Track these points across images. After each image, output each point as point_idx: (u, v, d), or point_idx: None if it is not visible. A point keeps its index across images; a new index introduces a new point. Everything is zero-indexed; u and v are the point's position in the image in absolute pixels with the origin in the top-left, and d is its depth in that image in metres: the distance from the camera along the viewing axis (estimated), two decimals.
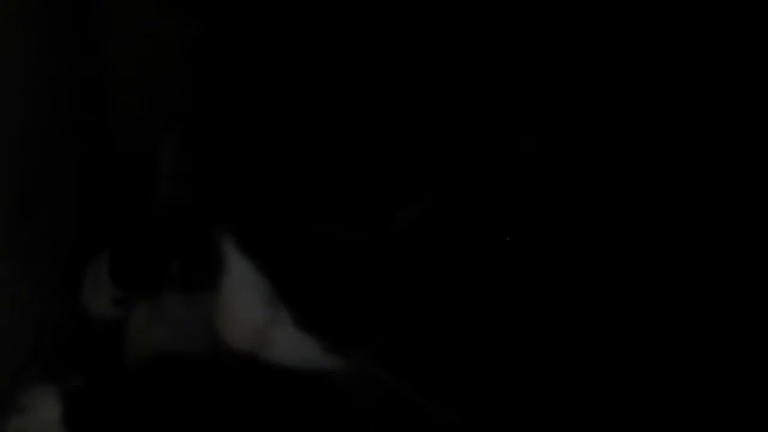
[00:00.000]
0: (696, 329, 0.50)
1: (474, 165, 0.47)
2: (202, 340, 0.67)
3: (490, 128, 0.47)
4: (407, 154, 0.46)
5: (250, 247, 0.52)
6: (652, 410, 0.50)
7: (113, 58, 0.80)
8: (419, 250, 0.49)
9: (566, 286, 0.50)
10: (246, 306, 0.53)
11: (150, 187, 0.78)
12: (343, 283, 0.50)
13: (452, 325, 0.50)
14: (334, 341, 0.52)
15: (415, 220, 0.48)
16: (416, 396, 0.52)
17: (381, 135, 0.46)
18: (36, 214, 0.70)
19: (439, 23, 0.45)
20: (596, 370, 0.51)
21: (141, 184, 0.78)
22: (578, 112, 0.48)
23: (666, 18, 0.48)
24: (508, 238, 0.49)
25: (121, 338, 0.71)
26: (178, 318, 0.70)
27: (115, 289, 0.74)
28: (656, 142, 0.49)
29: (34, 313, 0.72)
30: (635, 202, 0.50)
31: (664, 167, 0.49)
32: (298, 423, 0.59)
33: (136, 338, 0.70)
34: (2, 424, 0.63)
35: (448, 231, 0.48)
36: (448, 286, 0.49)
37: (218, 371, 0.62)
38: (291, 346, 0.53)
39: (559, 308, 0.50)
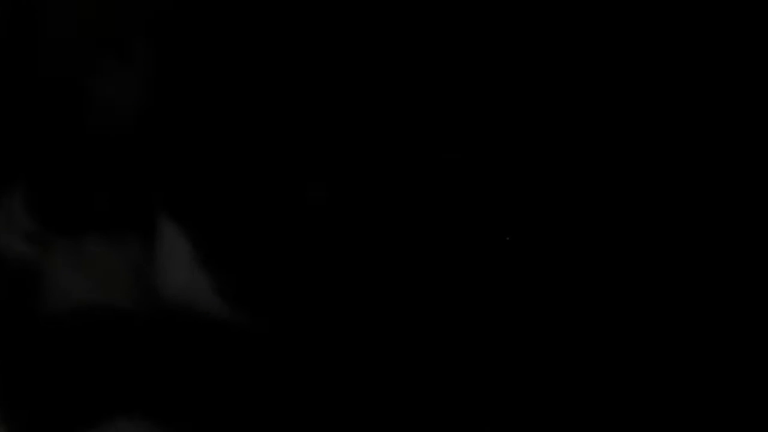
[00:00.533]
0: (694, 329, 0.51)
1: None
2: (126, 291, 0.61)
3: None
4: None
5: (179, 212, 0.57)
6: (647, 409, 0.51)
7: None
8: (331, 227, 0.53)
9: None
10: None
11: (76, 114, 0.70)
12: (259, 253, 0.55)
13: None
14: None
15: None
16: None
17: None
18: None
19: None
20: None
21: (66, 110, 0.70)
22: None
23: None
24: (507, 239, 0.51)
25: (36, 285, 0.64)
26: (102, 265, 0.63)
27: (31, 223, 0.66)
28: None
29: None
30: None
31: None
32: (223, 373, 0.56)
33: (54, 286, 0.63)
34: None
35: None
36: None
37: (149, 325, 0.58)
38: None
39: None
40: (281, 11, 0.56)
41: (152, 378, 0.56)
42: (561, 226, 0.52)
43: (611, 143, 0.52)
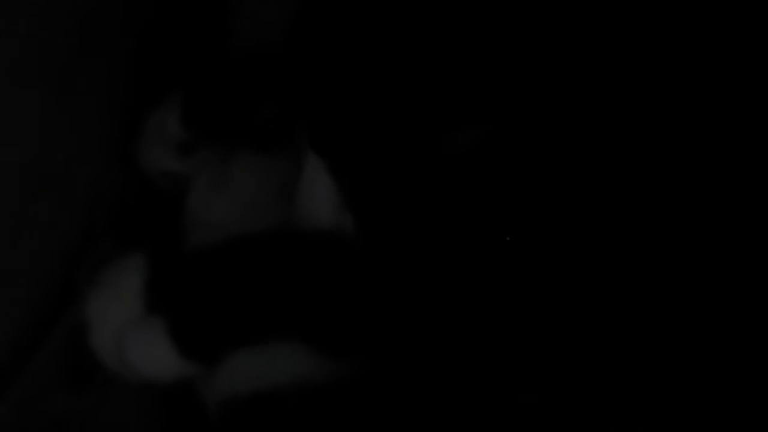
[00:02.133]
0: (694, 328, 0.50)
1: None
2: (267, 216, 0.60)
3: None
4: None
5: (325, 150, 0.56)
6: (647, 408, 0.50)
7: None
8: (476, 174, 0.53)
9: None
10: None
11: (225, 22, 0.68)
12: (404, 200, 0.55)
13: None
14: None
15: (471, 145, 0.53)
16: None
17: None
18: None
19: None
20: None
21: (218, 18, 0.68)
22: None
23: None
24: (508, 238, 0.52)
25: (182, 207, 0.63)
26: (245, 187, 0.62)
27: (184, 130, 0.65)
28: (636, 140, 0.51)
29: (88, 182, 0.65)
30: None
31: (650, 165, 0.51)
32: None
33: (197, 208, 0.63)
34: (83, 301, 0.58)
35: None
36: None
37: (289, 252, 0.56)
38: None
39: None
40: None
41: (299, 302, 0.55)
42: (561, 225, 0.52)
43: (611, 143, 0.52)
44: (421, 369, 0.53)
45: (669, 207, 0.51)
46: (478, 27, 0.53)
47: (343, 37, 0.57)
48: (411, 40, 0.54)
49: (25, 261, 0.61)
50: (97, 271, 0.59)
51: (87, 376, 0.60)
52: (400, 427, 0.52)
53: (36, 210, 0.60)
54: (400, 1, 0.55)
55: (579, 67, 0.53)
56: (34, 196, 0.60)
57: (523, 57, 0.53)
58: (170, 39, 0.69)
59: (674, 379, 0.50)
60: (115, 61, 0.65)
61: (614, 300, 0.51)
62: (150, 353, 0.55)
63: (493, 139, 0.53)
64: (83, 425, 0.59)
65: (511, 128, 0.53)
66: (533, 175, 0.53)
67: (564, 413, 0.50)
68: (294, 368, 0.54)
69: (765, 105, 0.51)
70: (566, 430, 0.50)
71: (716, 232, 0.50)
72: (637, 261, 0.51)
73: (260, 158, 0.63)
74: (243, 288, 0.55)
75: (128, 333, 0.56)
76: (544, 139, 0.52)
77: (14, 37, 0.55)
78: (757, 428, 0.49)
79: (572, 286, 0.51)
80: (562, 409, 0.50)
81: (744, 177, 0.51)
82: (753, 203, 0.51)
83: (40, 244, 0.62)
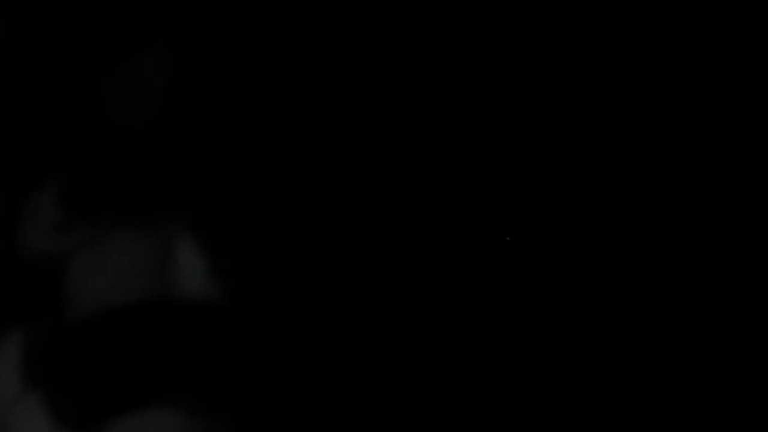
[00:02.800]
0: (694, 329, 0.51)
1: None
2: (142, 289, 0.63)
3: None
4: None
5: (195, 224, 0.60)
6: (646, 410, 0.50)
7: None
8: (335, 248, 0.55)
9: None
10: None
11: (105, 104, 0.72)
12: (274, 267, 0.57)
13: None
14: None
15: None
16: None
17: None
18: None
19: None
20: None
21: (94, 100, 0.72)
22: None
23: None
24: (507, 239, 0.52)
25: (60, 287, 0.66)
26: (119, 263, 0.65)
27: (60, 213, 0.68)
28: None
29: None
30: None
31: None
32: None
33: (73, 285, 0.66)
34: None
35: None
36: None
37: (168, 318, 0.60)
38: None
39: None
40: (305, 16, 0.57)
41: (174, 369, 0.59)
42: (561, 226, 0.52)
43: (610, 143, 0.52)
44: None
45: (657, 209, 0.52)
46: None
47: (210, 119, 0.61)
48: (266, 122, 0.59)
49: None
50: None
51: None
52: None
53: None
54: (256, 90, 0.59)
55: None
56: None
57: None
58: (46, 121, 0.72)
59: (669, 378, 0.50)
60: None
61: None
62: (32, 428, 0.58)
63: (355, 207, 0.56)
64: None
65: (373, 195, 0.56)
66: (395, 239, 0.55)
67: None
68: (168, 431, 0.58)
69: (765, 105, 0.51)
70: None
71: (714, 232, 0.51)
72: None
73: (134, 235, 0.67)
74: (119, 358, 0.59)
75: (9, 409, 0.58)
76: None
77: None
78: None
79: None
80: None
81: (744, 177, 0.51)
82: (753, 203, 0.51)
83: None
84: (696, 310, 0.51)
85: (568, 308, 0.51)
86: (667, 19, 0.52)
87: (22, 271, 0.69)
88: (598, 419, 0.51)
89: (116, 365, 0.59)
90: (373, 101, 0.56)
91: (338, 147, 0.57)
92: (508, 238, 0.52)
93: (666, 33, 0.52)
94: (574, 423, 0.51)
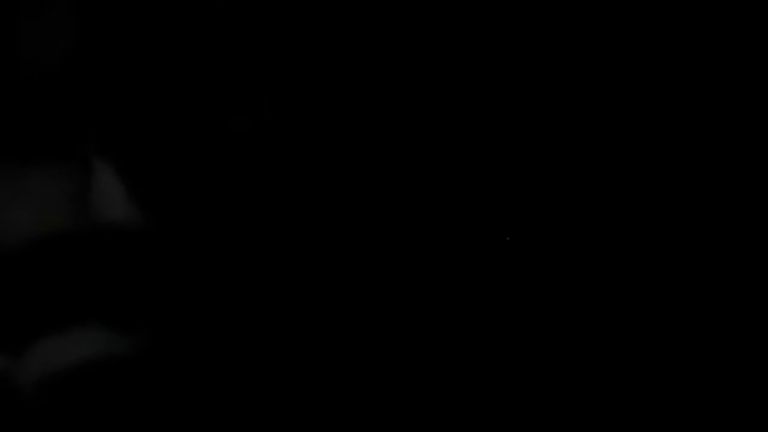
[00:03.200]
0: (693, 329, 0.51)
1: None
2: (62, 221, 0.65)
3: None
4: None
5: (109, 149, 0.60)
6: (646, 409, 0.51)
7: None
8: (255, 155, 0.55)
9: None
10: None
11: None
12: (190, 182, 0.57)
13: None
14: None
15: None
16: None
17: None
18: None
19: None
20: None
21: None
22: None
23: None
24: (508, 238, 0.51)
25: None
26: (39, 196, 0.67)
27: None
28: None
29: None
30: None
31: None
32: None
33: None
34: None
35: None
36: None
37: (92, 248, 0.62)
38: None
39: None
40: None
41: (94, 292, 0.61)
42: (561, 226, 0.52)
43: (611, 143, 0.53)
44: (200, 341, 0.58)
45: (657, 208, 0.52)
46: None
47: (124, 48, 0.62)
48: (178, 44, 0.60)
49: None
50: None
51: None
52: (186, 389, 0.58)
53: None
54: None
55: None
56: None
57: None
58: None
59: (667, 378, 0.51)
60: None
61: None
62: None
63: (265, 123, 0.57)
64: None
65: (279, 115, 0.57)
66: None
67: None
68: (91, 345, 0.60)
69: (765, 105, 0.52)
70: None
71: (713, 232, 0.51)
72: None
73: (51, 168, 0.68)
74: (41, 284, 0.61)
75: None
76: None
77: None
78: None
79: None
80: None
81: (743, 177, 0.52)
82: (752, 203, 0.51)
83: None
84: (695, 309, 0.52)
85: (567, 307, 0.52)
86: (667, 19, 0.53)
87: None
88: (596, 417, 0.51)
89: (38, 291, 0.61)
90: None
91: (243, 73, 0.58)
92: (508, 238, 0.52)
93: (666, 33, 0.53)
94: (573, 421, 0.51)
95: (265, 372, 0.56)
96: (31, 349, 0.61)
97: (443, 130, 0.54)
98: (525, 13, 0.53)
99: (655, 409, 0.51)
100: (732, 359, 0.51)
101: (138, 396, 0.59)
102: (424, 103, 0.54)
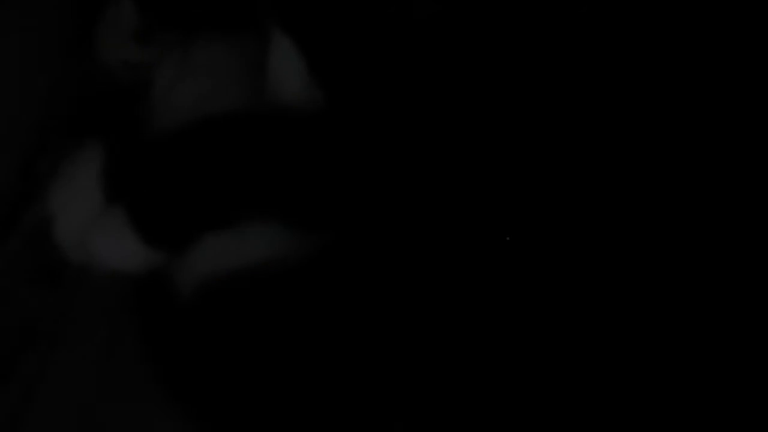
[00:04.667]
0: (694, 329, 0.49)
1: None
2: (234, 97, 0.57)
3: None
4: None
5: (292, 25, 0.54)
6: (647, 410, 0.49)
7: None
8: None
9: None
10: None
11: None
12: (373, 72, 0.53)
13: None
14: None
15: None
16: None
17: None
18: None
19: None
20: None
21: None
22: None
23: None
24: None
25: (145, 100, 0.60)
26: (211, 70, 0.59)
27: (141, 17, 0.62)
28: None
29: (45, 76, 0.62)
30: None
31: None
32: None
33: (161, 94, 0.60)
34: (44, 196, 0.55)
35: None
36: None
37: (255, 129, 0.54)
38: None
39: None
40: None
41: (265, 183, 0.53)
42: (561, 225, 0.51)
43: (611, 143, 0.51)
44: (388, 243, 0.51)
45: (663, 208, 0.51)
46: None
47: None
48: None
49: None
50: (56, 165, 0.56)
51: (55, 274, 0.58)
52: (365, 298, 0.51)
53: None
54: None
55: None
56: None
57: None
58: None
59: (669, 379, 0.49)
60: None
61: None
62: (115, 244, 0.53)
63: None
64: (55, 323, 0.58)
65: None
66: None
67: None
68: (266, 246, 0.52)
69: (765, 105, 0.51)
70: None
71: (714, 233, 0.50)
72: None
73: (224, 40, 0.60)
74: (207, 169, 0.53)
75: (93, 224, 0.54)
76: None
77: None
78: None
79: None
80: None
81: (743, 177, 0.50)
82: (753, 203, 0.50)
83: None
84: (695, 309, 0.49)
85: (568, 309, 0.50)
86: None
87: (103, 83, 0.64)
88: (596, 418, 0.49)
89: (205, 178, 0.53)
90: None
91: None
92: (507, 238, 0.50)
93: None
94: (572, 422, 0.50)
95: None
96: (194, 246, 0.53)
97: None
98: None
99: (655, 408, 0.49)
100: (732, 359, 0.49)
101: (311, 307, 0.51)
102: None
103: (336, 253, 0.51)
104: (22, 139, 0.62)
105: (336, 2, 0.53)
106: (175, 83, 0.60)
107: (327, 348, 0.51)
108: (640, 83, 0.52)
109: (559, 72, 0.52)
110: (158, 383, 0.54)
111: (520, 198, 0.51)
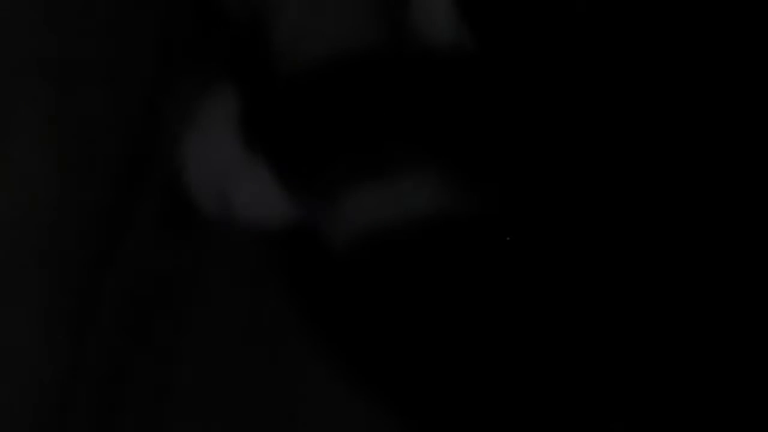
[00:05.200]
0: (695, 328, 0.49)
1: None
2: (367, 33, 0.54)
3: None
4: None
5: None
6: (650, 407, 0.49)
7: None
8: None
9: None
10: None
11: None
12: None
13: None
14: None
15: None
16: None
17: None
18: None
19: None
20: None
21: None
22: None
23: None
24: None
25: (268, 35, 0.56)
26: (341, 3, 0.55)
27: None
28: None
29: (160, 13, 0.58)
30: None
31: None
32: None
33: (288, 30, 0.56)
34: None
35: None
36: None
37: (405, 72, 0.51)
38: None
39: None
40: None
41: (414, 132, 0.50)
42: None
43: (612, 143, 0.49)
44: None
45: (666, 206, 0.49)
46: None
47: None
48: None
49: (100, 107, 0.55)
50: (185, 109, 0.53)
51: (188, 227, 0.56)
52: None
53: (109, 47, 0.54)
54: None
55: None
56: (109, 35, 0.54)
57: None
58: None
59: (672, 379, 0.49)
60: None
61: None
62: (258, 197, 0.51)
63: None
64: (189, 279, 0.55)
65: None
66: None
67: None
68: (425, 198, 0.49)
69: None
70: None
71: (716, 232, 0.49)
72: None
73: None
74: (354, 113, 0.50)
75: (231, 175, 0.51)
76: None
77: None
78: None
79: None
80: None
81: (744, 177, 0.49)
82: (753, 203, 0.49)
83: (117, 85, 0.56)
84: (697, 310, 0.49)
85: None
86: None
87: (231, 25, 0.60)
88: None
89: (352, 123, 0.50)
90: None
91: None
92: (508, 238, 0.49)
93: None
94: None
95: None
96: (345, 197, 0.50)
97: None
98: None
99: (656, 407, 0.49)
100: (732, 359, 0.49)
101: (475, 266, 0.49)
102: None
103: (503, 208, 0.49)
104: (142, 74, 0.58)
105: None
106: (304, 18, 0.56)
107: (492, 315, 0.49)
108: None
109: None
110: (310, 340, 0.52)
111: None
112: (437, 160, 0.49)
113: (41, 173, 0.54)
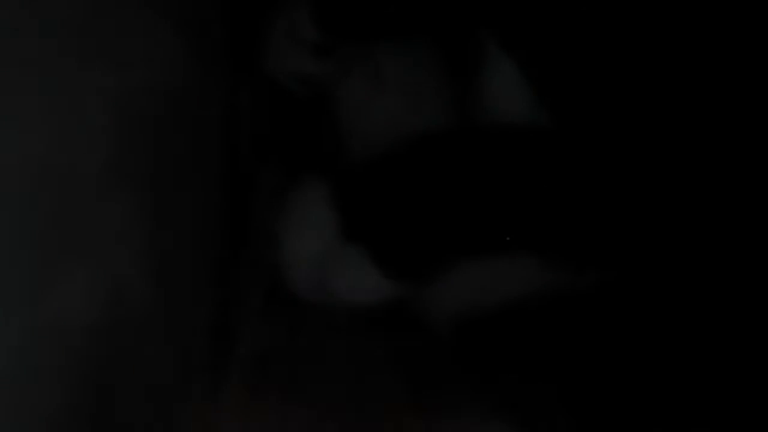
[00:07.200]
0: None
1: None
2: (432, 112, 0.56)
3: None
4: None
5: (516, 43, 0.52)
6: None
7: None
8: None
9: None
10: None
11: None
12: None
13: None
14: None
15: None
16: None
17: None
18: None
19: None
20: None
21: None
22: None
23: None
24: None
25: (325, 116, 0.59)
26: (404, 83, 0.57)
27: (319, 32, 0.60)
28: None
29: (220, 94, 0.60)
30: None
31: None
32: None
33: (355, 114, 0.58)
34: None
35: None
36: None
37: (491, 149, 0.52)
38: None
39: None
40: None
41: (517, 204, 0.51)
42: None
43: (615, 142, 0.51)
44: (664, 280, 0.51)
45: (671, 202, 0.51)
46: None
47: None
48: None
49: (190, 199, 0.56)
50: (273, 204, 0.55)
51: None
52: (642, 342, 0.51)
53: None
54: None
55: None
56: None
57: None
58: None
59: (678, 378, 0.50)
60: None
61: None
62: (357, 281, 0.52)
63: None
64: (285, 357, 0.57)
65: None
66: None
67: None
68: (525, 282, 0.51)
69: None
70: None
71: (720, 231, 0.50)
72: None
73: (407, 51, 0.59)
74: (446, 193, 0.51)
75: (330, 264, 0.53)
76: None
77: None
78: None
79: None
80: None
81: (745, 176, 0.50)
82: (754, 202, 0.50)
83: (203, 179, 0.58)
84: (698, 309, 0.50)
85: None
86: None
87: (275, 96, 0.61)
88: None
89: (444, 204, 0.51)
90: None
91: None
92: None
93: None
94: None
95: None
96: (451, 279, 0.52)
97: None
98: None
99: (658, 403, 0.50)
100: (733, 359, 0.50)
101: (579, 346, 0.51)
102: None
103: (602, 294, 0.51)
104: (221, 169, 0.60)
105: (562, 21, 0.52)
106: (369, 101, 0.58)
107: None
108: None
109: None
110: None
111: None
112: (530, 244, 0.51)
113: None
